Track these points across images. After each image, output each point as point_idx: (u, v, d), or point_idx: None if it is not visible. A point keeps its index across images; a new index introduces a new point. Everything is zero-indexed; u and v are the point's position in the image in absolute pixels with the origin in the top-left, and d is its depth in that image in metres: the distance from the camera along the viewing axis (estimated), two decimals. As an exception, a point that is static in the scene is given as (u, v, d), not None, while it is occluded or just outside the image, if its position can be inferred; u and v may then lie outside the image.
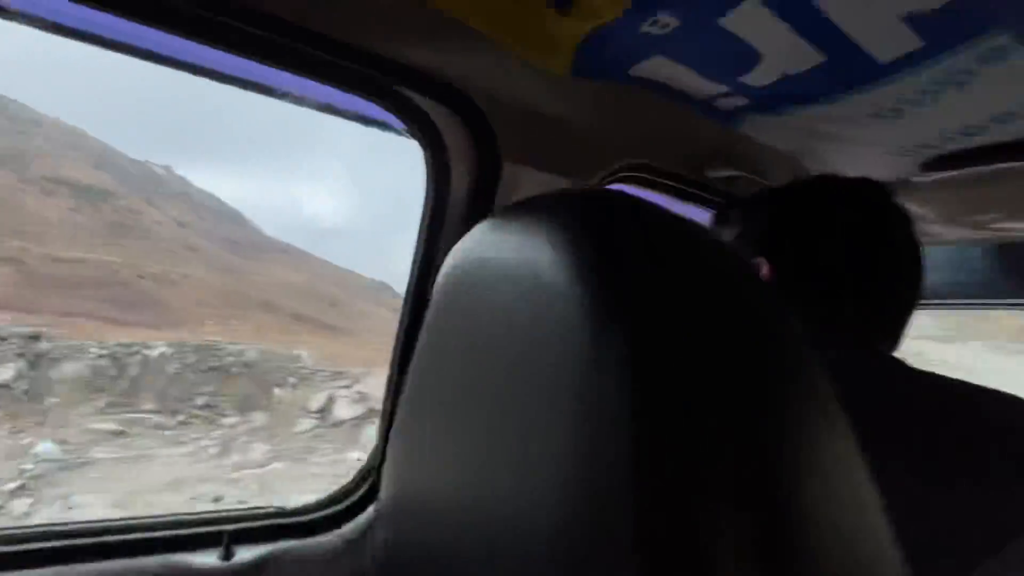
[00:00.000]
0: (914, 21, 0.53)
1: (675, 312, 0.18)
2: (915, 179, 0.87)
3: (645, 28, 0.57)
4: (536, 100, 0.68)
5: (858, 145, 0.80)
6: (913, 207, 0.93)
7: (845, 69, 0.62)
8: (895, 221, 0.56)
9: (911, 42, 0.56)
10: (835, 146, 0.82)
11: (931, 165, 0.83)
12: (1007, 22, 0.52)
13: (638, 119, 0.74)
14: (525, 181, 0.72)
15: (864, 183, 0.60)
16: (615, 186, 0.83)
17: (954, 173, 0.83)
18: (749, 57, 0.62)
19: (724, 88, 0.71)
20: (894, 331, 0.55)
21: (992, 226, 0.96)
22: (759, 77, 0.66)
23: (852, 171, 0.65)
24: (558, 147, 0.71)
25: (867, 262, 0.53)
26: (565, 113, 0.69)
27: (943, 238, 0.99)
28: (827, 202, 0.58)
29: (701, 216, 0.97)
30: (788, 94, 0.70)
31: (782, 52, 0.60)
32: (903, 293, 0.54)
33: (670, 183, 0.84)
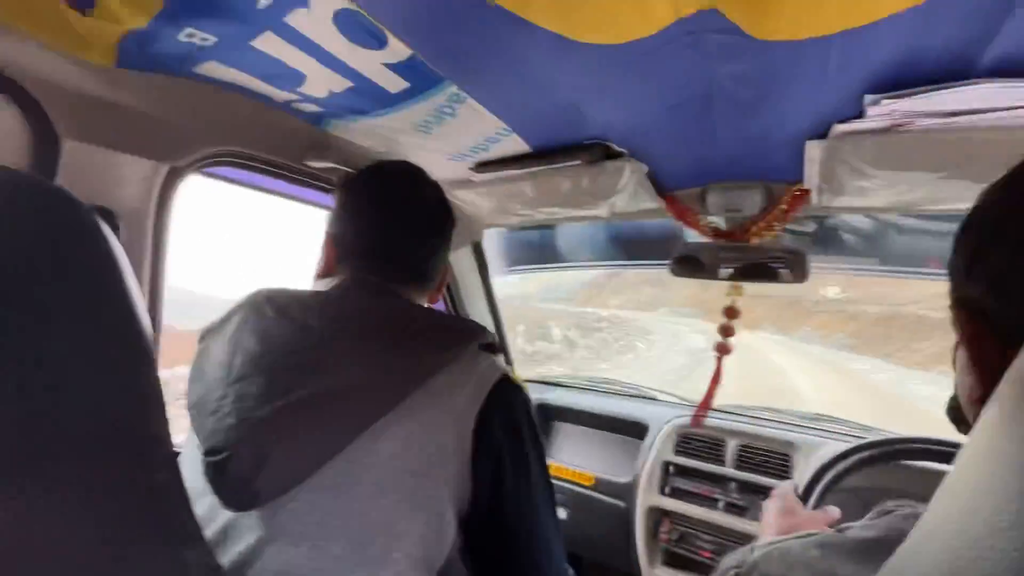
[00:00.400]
0: (396, 69, 0.77)
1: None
2: (473, 177, 1.21)
3: (183, 38, 0.68)
4: (96, 89, 0.71)
5: (422, 149, 1.08)
6: (473, 198, 1.30)
7: (369, 95, 0.84)
8: (393, 198, 0.76)
9: (402, 82, 0.81)
10: (407, 149, 1.08)
11: (479, 168, 1.17)
12: (453, 78, 0.80)
13: (221, 110, 0.84)
14: (100, 163, 0.75)
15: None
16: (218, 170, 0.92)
17: (497, 174, 1.20)
18: (294, 74, 0.79)
19: (293, 96, 0.87)
20: (410, 280, 0.77)
21: (539, 211, 1.40)
22: (312, 90, 0.84)
23: (429, 169, 0.81)
24: (132, 132, 0.76)
25: (370, 229, 0.73)
26: (132, 102, 0.75)
27: (502, 222, 1.41)
28: (354, 186, 0.77)
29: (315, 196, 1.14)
30: (347, 106, 0.90)
31: (316, 75, 0.79)
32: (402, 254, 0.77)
33: (271, 168, 0.97)
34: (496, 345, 0.70)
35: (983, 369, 0.35)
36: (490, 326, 1.82)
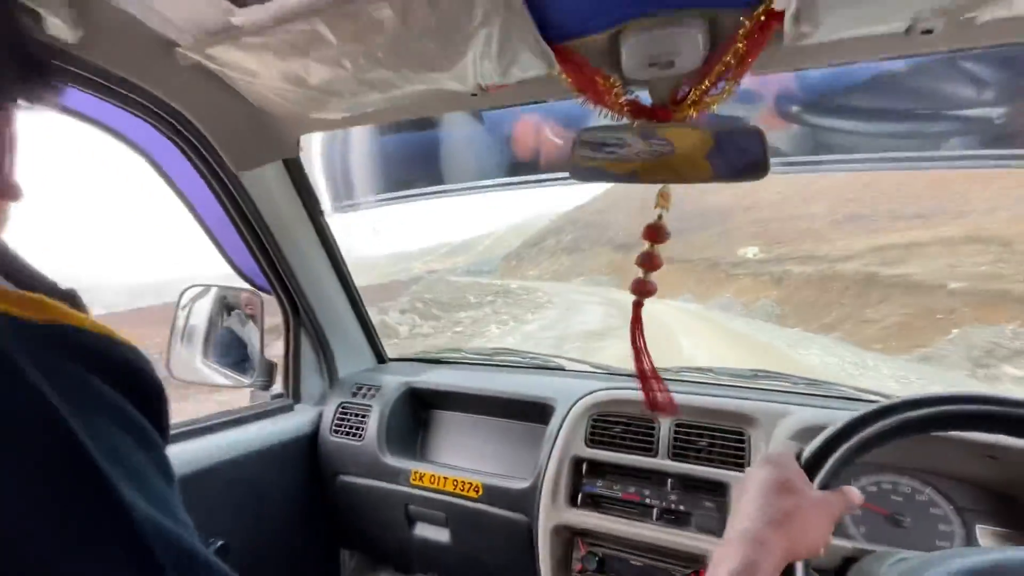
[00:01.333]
0: None
1: None
2: (236, 19, 0.69)
3: None
4: None
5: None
6: (255, 66, 0.78)
7: None
8: None
9: None
10: None
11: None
12: None
13: None
14: None
15: None
16: None
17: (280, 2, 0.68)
18: None
19: None
20: None
21: (362, 79, 0.90)
22: None
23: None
24: None
25: None
26: None
27: (321, 115, 0.89)
28: None
29: None
30: None
31: None
32: None
33: None
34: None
35: None
36: (332, 296, 1.31)
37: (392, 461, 1.17)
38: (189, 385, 1.24)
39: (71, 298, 0.33)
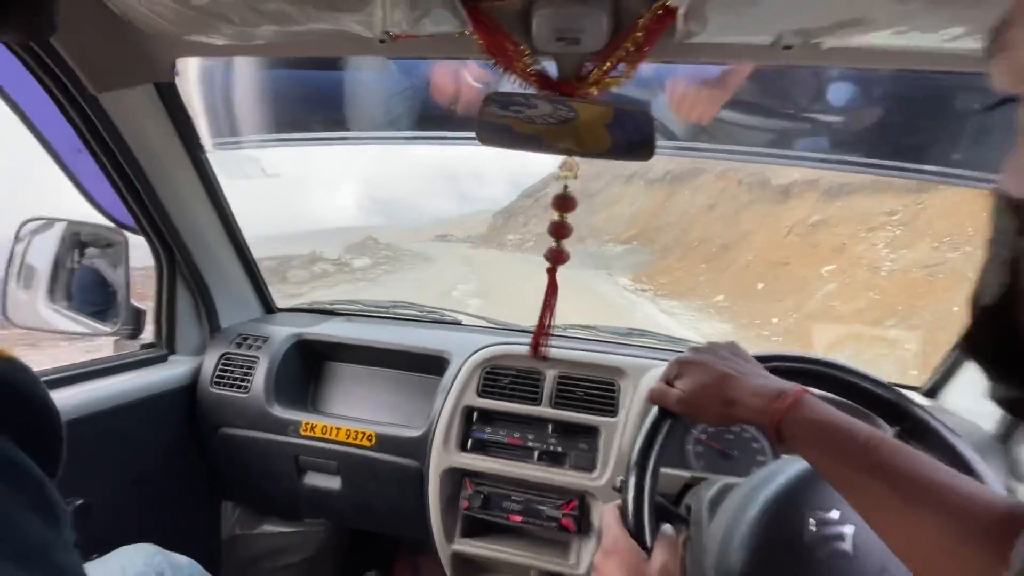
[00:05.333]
0: None
1: None
2: None
3: None
4: None
5: None
6: None
7: None
8: None
9: None
10: None
11: None
12: None
13: None
14: None
15: None
16: None
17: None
18: None
19: None
20: None
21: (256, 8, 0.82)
22: None
23: None
24: None
25: None
26: None
27: (201, 39, 0.79)
28: None
29: None
30: None
31: None
32: None
33: None
34: None
35: None
36: (214, 241, 1.21)
37: (281, 413, 1.15)
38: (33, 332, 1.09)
39: None
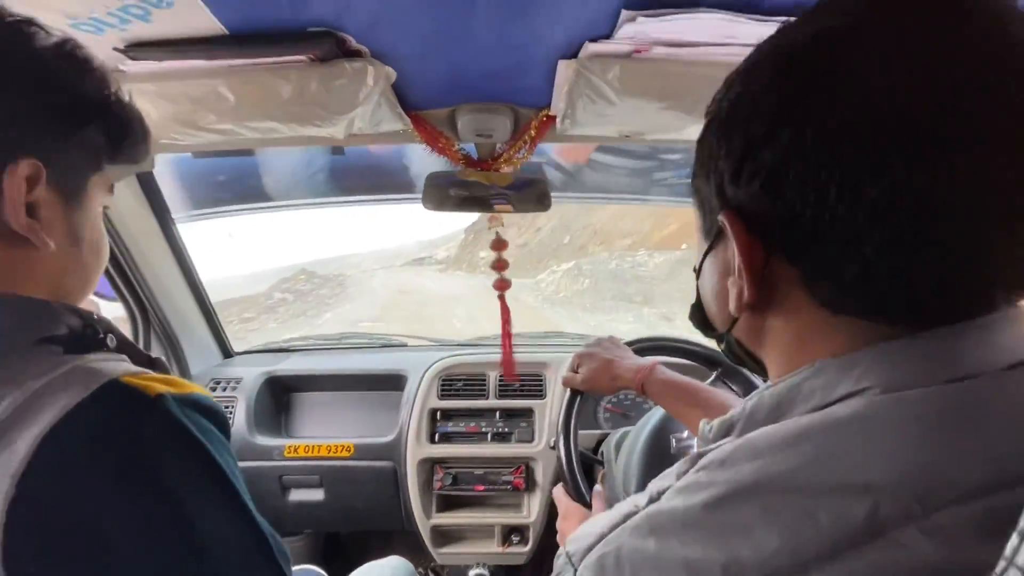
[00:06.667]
0: None
1: None
2: (124, 65, 0.79)
3: None
4: None
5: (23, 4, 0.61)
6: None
7: None
8: None
9: None
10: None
11: (134, 50, 0.76)
12: None
13: None
14: None
15: None
16: None
17: (171, 65, 0.80)
18: None
19: None
20: None
21: (245, 127, 1.02)
22: None
23: None
24: None
25: None
26: None
27: (184, 142, 0.98)
28: None
29: None
30: None
31: None
32: None
33: None
34: (98, 336, 0.44)
35: (753, 275, 0.34)
36: (180, 298, 1.36)
37: (264, 441, 1.33)
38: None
39: (158, 362, 0.50)
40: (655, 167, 1.61)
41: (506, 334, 1.25)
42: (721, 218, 0.34)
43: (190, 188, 1.24)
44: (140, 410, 0.38)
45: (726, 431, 0.37)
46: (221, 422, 0.44)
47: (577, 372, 0.92)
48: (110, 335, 0.45)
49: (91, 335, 0.44)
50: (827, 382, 0.31)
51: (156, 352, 1.34)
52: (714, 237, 0.37)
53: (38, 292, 0.43)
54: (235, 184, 1.30)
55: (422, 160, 1.18)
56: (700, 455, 0.34)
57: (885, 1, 0.29)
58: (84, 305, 0.48)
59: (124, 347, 0.47)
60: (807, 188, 0.29)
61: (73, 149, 0.46)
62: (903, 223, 0.27)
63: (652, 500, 0.35)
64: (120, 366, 0.41)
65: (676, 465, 0.36)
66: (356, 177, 1.49)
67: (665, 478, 0.36)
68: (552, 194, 1.22)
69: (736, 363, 0.46)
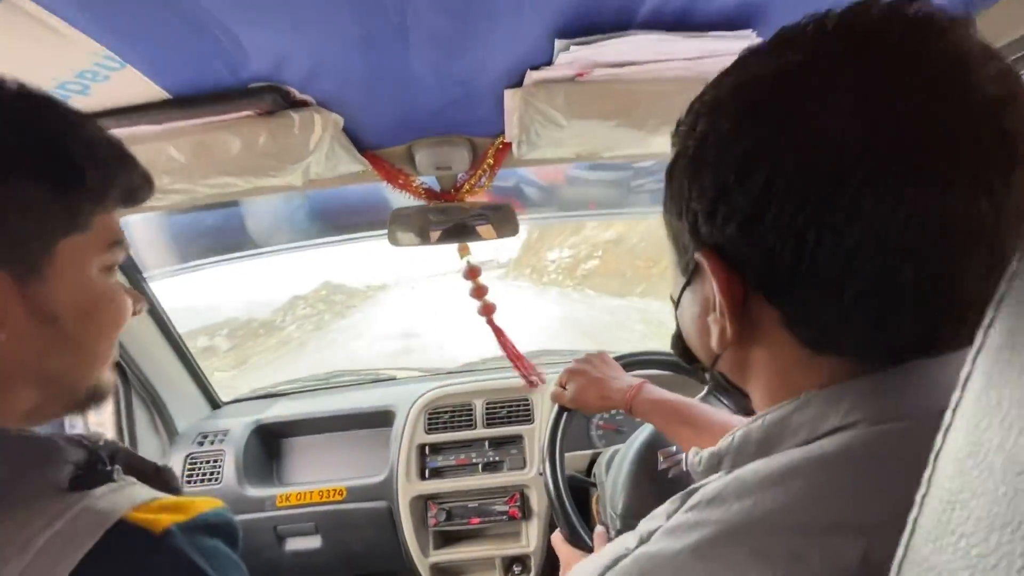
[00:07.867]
0: None
1: None
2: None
3: None
4: None
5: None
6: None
7: None
8: None
9: None
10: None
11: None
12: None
13: None
14: None
15: None
16: None
17: (120, 131, 0.81)
18: None
19: None
20: None
21: (202, 184, 1.03)
22: None
23: None
24: None
25: None
26: None
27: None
28: None
29: None
30: None
31: None
32: None
33: None
34: (108, 468, 0.41)
35: (735, 314, 0.34)
36: (159, 355, 1.35)
37: (255, 492, 1.31)
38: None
39: (165, 471, 0.47)
40: (631, 176, 1.63)
41: (515, 356, 1.24)
42: (699, 256, 0.34)
43: (175, 241, 1.25)
44: (148, 551, 0.37)
45: (716, 465, 0.36)
46: (230, 535, 0.43)
47: (565, 388, 0.91)
48: (116, 468, 0.42)
49: (99, 469, 0.40)
50: (815, 415, 0.31)
51: (138, 411, 1.33)
52: (691, 273, 0.37)
53: (17, 384, 0.40)
54: (219, 234, 1.31)
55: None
56: (690, 492, 0.33)
57: (846, 36, 0.29)
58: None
59: (130, 465, 0.45)
60: (785, 232, 0.29)
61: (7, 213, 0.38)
62: (881, 266, 0.27)
63: (642, 541, 0.34)
64: (126, 499, 0.39)
65: (666, 504, 0.35)
66: (350, 215, 1.49)
67: (655, 518, 0.35)
68: (533, 215, 1.23)
69: (721, 391, 0.46)
